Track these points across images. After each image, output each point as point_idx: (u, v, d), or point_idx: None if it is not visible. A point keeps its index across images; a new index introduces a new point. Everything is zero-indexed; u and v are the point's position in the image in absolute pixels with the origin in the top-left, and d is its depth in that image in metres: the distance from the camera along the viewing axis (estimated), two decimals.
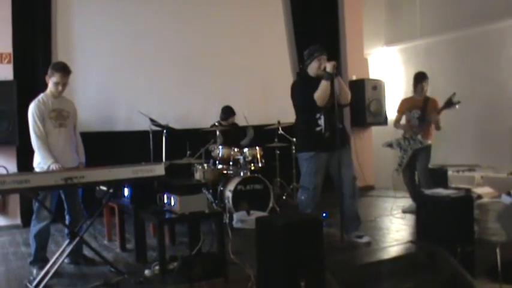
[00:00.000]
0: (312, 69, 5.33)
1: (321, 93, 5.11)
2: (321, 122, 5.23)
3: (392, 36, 10.15)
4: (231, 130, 7.64)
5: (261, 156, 7.14)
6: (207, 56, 8.36)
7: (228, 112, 7.72)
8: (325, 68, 5.13)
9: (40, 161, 4.71)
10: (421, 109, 6.83)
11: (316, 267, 3.84)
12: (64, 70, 4.82)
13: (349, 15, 9.57)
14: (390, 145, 7.09)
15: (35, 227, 4.72)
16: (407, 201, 7.30)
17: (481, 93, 8.27)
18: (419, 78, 6.96)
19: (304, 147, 5.41)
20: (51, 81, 4.80)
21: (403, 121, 7.14)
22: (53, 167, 4.59)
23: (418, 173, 6.91)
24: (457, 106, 6.56)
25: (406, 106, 7.09)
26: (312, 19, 9.19)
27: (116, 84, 7.76)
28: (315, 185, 5.27)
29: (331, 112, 5.18)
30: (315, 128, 5.25)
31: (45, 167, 4.63)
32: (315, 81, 5.20)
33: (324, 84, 5.10)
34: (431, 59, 9.06)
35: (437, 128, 6.80)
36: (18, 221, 6.99)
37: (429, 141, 6.79)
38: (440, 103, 6.80)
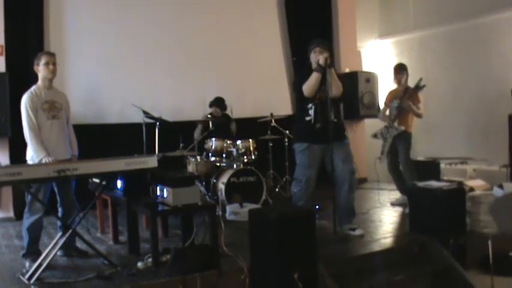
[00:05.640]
0: (312, 62, 5.33)
1: (308, 84, 5.15)
2: (311, 112, 5.25)
3: (385, 29, 10.16)
4: (223, 121, 7.58)
5: (254, 149, 7.15)
6: (201, 48, 8.33)
7: (215, 101, 7.66)
8: (318, 61, 5.14)
9: (32, 154, 4.67)
10: (400, 98, 6.87)
11: (309, 259, 3.86)
12: (48, 52, 4.90)
13: (342, 8, 9.54)
14: (375, 136, 7.14)
15: (27, 220, 4.69)
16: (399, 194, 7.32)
17: (474, 86, 8.30)
18: (398, 70, 7.04)
19: (297, 138, 5.44)
20: (41, 64, 4.76)
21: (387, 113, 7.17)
22: (46, 160, 4.55)
23: (401, 164, 6.93)
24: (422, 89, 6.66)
25: (390, 98, 7.13)
26: (306, 11, 9.17)
27: (109, 77, 7.72)
28: (308, 177, 5.26)
29: (326, 105, 5.15)
30: (305, 117, 5.28)
31: (37, 160, 4.60)
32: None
33: (313, 76, 5.13)
34: (425, 52, 9.08)
35: (416, 115, 6.81)
36: (11, 213, 6.96)
37: (403, 128, 6.76)
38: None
